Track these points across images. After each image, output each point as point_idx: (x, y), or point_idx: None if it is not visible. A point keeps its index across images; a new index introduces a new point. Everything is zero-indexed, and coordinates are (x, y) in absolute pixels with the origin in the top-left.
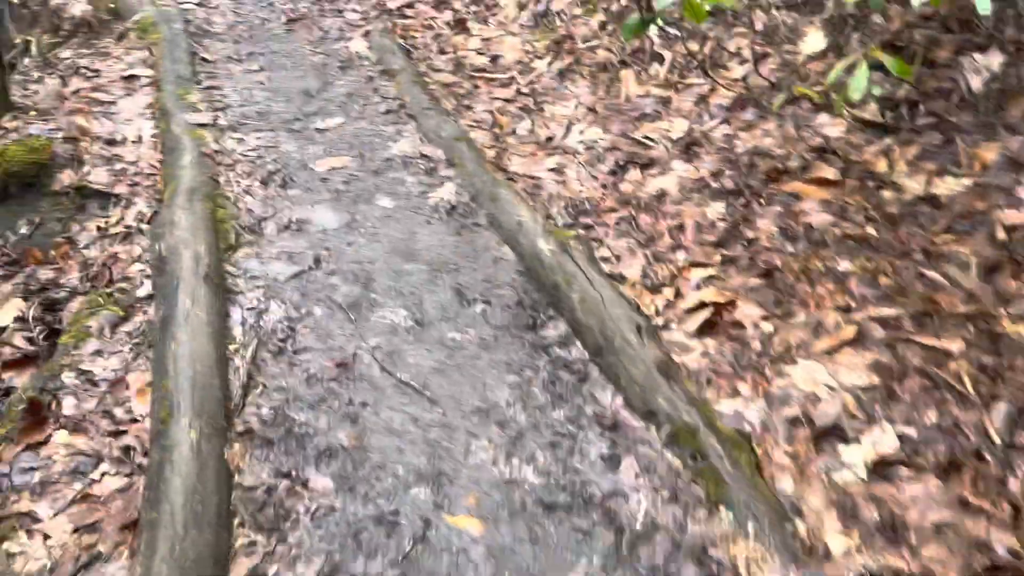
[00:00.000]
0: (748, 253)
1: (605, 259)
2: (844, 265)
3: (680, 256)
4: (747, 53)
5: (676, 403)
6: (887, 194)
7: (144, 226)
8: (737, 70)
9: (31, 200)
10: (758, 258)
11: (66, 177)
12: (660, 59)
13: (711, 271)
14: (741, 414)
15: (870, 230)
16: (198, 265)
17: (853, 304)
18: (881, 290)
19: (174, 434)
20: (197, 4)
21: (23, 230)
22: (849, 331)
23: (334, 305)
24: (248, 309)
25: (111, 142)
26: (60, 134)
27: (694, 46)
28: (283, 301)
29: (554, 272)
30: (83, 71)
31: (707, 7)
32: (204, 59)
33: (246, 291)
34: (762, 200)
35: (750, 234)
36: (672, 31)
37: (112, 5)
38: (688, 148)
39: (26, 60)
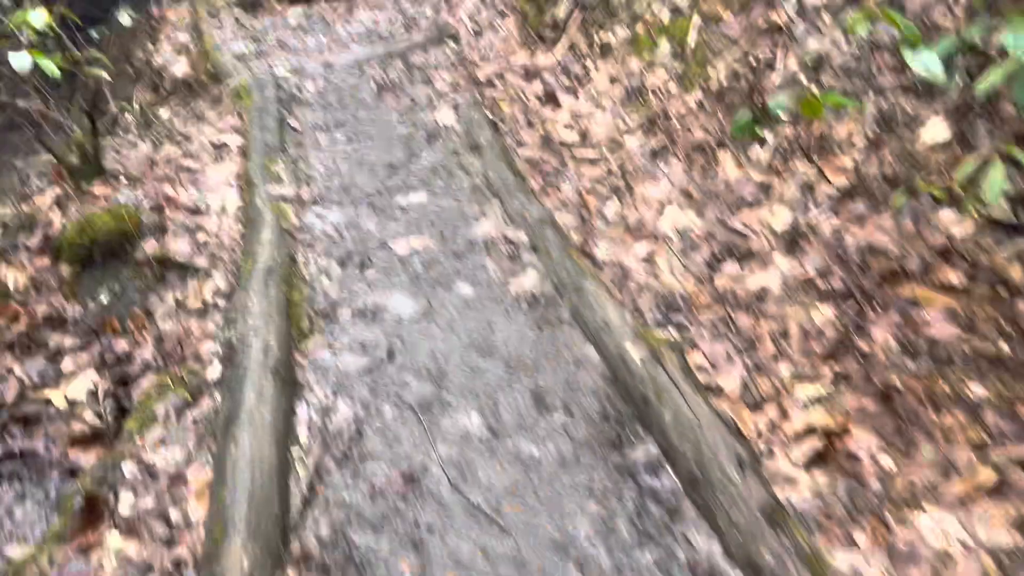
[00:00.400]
0: (863, 369)
1: (700, 367)
2: (976, 390)
3: (784, 368)
4: (859, 140)
5: (784, 559)
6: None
7: (220, 301)
8: (847, 157)
9: (114, 269)
10: (874, 376)
11: (149, 247)
12: (762, 142)
13: (820, 389)
14: (860, 574)
15: (1004, 348)
16: (267, 357)
17: (988, 440)
18: (1022, 424)
19: (225, 559)
20: (291, 71)
21: (104, 299)
22: (986, 475)
23: (404, 405)
24: (315, 407)
25: (195, 211)
26: (147, 202)
27: (799, 129)
28: (352, 398)
29: (644, 384)
30: (176, 136)
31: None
32: (293, 127)
33: (314, 385)
34: (877, 306)
35: (864, 346)
36: (775, 110)
37: (211, 68)
38: (792, 241)
39: (127, 115)
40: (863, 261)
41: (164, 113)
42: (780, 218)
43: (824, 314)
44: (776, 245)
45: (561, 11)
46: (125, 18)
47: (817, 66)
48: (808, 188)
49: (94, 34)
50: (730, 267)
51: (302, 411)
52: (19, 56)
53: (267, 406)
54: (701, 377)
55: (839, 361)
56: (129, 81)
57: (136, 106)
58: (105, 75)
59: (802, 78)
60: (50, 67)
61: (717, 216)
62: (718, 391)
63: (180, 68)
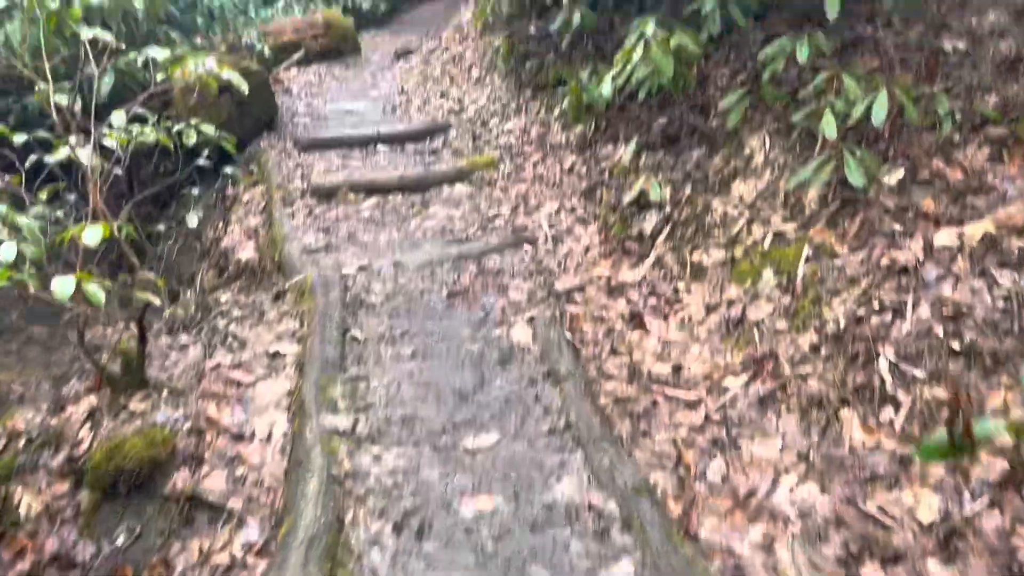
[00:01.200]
0: None
1: None
2: None
3: None
4: (1018, 412)
5: None
6: None
7: (250, 559)
8: (1005, 433)
9: (137, 503)
10: None
11: (181, 480)
12: (894, 403)
13: None
14: None
15: None
16: None
17: None
18: None
19: None
20: (359, 269)
21: (120, 540)
22: None
23: None
24: None
25: (238, 437)
26: (187, 424)
27: (939, 392)
28: None
29: None
30: (229, 339)
31: None
32: (355, 338)
33: None
34: None
35: None
36: (908, 369)
37: (278, 258)
38: (946, 541)
39: (188, 293)
40: None
41: (225, 297)
42: (927, 506)
43: None
44: (927, 544)
45: (648, 224)
46: (193, 219)
47: (956, 318)
48: (958, 468)
49: (160, 227)
50: (871, 570)
51: None
52: (62, 282)
53: None
54: None
55: None
56: (196, 258)
57: (199, 284)
58: (155, 300)
59: (938, 331)
60: (96, 296)
61: (846, 494)
62: None
63: (247, 253)
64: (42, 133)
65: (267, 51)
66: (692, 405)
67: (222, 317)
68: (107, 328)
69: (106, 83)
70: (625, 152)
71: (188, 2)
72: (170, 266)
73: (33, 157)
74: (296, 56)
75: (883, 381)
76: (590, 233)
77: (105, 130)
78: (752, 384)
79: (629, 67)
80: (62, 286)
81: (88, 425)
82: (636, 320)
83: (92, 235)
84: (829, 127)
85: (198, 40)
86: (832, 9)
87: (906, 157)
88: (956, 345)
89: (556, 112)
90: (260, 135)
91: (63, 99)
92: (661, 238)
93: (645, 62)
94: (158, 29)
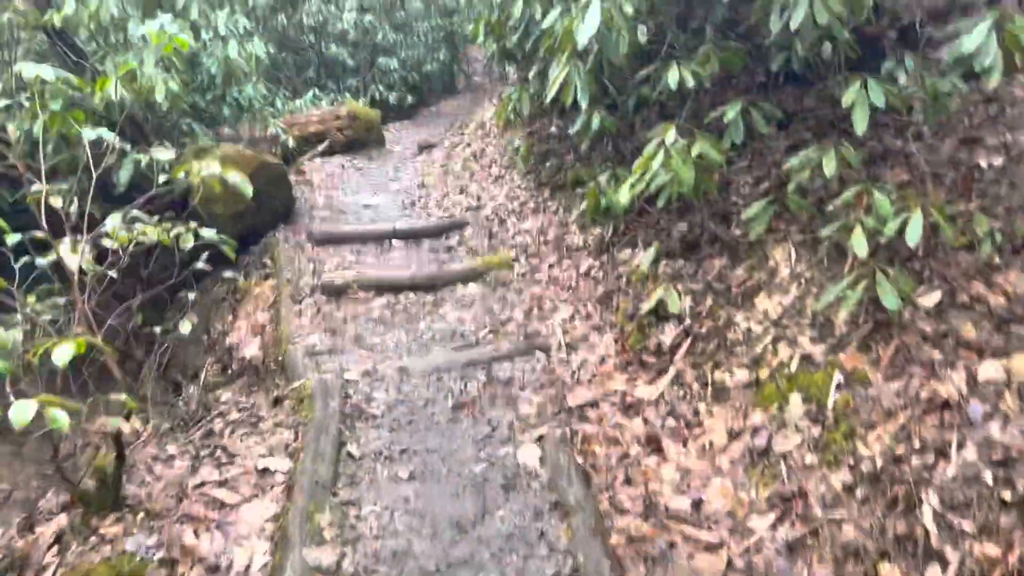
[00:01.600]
0: None
1: None
2: None
3: None
4: None
5: None
6: None
7: None
8: None
9: None
10: None
11: None
12: (940, 559)
13: None
14: None
15: None
16: None
17: None
18: None
19: None
20: (362, 374)
21: None
22: None
23: None
24: None
25: (214, 569)
26: (159, 553)
27: (991, 549)
28: None
29: None
30: (219, 452)
31: None
32: (351, 454)
33: None
34: None
35: None
36: (955, 520)
37: (281, 358)
38: None
39: (192, 389)
40: None
41: (225, 397)
42: None
43: None
44: None
45: (666, 336)
46: (186, 326)
47: (1006, 463)
48: None
49: (156, 329)
50: None
51: None
52: (21, 407)
53: None
54: None
55: None
56: (202, 351)
57: (201, 379)
58: (123, 425)
59: (987, 478)
60: (59, 423)
61: None
62: None
63: (251, 350)
64: (38, 233)
65: (291, 142)
66: (713, 548)
67: (220, 419)
68: (99, 421)
69: (124, 174)
70: (643, 258)
71: (216, 94)
72: (175, 358)
73: (27, 258)
74: (320, 147)
75: (927, 533)
76: (605, 342)
77: (102, 229)
78: (780, 526)
79: (648, 175)
80: (20, 412)
81: (56, 549)
82: (653, 444)
83: (62, 353)
84: (859, 245)
85: (225, 130)
86: (860, 123)
87: (943, 279)
88: (1007, 495)
89: (574, 214)
90: (276, 227)
91: (58, 201)
92: (680, 352)
93: (665, 169)
94: (181, 121)
